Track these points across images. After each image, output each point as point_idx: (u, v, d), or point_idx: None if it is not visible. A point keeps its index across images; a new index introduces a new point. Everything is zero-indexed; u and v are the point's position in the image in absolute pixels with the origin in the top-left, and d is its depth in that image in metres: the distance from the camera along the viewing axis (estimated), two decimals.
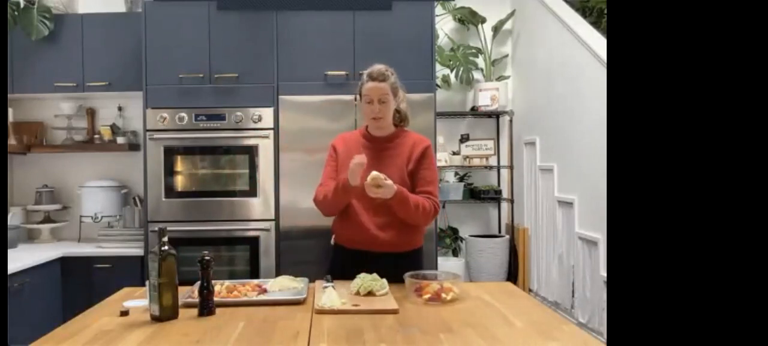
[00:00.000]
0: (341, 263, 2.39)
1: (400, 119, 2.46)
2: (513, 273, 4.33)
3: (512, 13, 4.41)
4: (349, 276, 2.19)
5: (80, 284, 3.34)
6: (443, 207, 4.36)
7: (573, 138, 3.56)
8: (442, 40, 4.40)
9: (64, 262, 3.38)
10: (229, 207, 3.42)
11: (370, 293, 2.07)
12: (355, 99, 2.48)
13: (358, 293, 2.07)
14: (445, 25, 4.43)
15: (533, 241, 4.17)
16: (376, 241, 2.32)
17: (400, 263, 2.26)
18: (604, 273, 3.20)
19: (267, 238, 3.40)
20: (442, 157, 4.14)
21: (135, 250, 3.44)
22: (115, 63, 3.61)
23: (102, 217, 3.70)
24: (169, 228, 1.93)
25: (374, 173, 2.17)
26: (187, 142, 3.40)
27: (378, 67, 2.36)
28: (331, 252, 2.51)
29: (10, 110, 3.73)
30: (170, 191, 3.40)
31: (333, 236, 2.50)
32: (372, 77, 2.34)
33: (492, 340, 1.62)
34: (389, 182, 2.18)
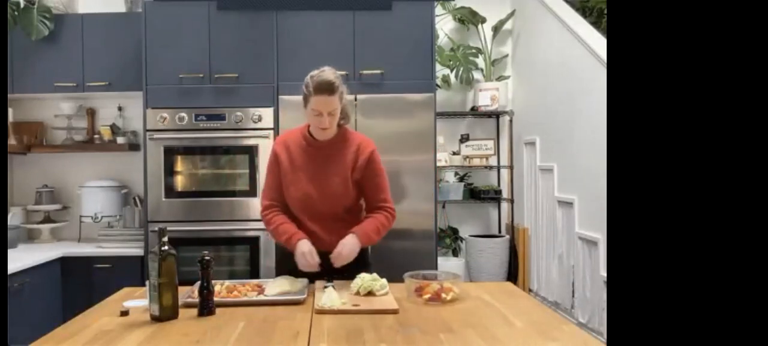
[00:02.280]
0: (288, 262, 2.34)
1: (341, 117, 2.33)
2: (513, 273, 4.33)
3: (512, 13, 4.41)
4: (295, 275, 2.21)
5: (80, 284, 3.34)
6: (443, 207, 4.36)
7: (573, 138, 3.56)
8: (442, 40, 4.40)
9: (64, 262, 3.38)
10: (229, 207, 3.42)
11: (370, 293, 2.07)
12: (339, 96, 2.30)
13: (357, 293, 2.08)
14: (445, 25, 4.43)
15: (533, 241, 4.17)
16: (318, 239, 2.29)
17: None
18: (604, 273, 3.20)
19: (267, 238, 3.40)
20: (442, 158, 4.14)
21: (135, 250, 3.44)
22: (115, 63, 3.61)
23: (102, 217, 3.69)
24: (169, 228, 1.93)
25: (335, 258, 2.18)
26: (187, 142, 3.40)
27: (327, 77, 2.18)
28: (277, 248, 2.51)
29: (10, 110, 3.73)
30: (170, 191, 3.40)
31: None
32: (321, 89, 2.17)
33: (492, 340, 1.62)
34: (351, 251, 2.19)
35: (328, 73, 2.21)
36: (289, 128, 3.36)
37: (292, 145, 2.35)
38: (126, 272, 3.35)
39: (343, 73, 3.40)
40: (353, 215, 2.37)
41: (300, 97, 3.38)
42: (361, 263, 2.29)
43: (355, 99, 3.38)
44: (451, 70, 4.34)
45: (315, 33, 3.42)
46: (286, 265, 2.34)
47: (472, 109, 4.38)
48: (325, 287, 2.12)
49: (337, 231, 2.28)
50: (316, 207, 2.31)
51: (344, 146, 2.33)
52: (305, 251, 2.20)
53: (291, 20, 3.42)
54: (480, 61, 4.40)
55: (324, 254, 2.23)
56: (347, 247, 2.22)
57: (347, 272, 2.21)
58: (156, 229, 2.00)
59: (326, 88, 2.18)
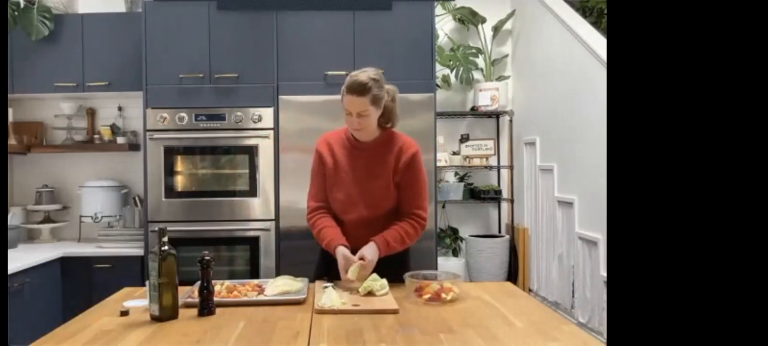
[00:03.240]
0: (329, 262, 2.36)
1: (386, 120, 2.31)
2: (513, 273, 4.33)
3: (512, 13, 4.41)
4: (337, 275, 2.20)
5: (80, 284, 3.34)
6: (443, 207, 4.36)
7: (573, 138, 3.56)
8: (442, 40, 4.40)
9: (64, 262, 3.38)
10: (229, 207, 3.42)
11: (370, 293, 2.07)
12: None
13: (357, 293, 2.08)
14: (445, 25, 4.43)
15: (533, 241, 4.17)
16: (357, 244, 2.26)
17: (389, 261, 2.25)
18: (604, 273, 3.20)
19: (267, 238, 3.40)
20: (442, 158, 4.14)
21: (135, 250, 3.44)
22: (115, 63, 3.61)
23: (102, 217, 3.69)
24: (169, 228, 1.93)
25: (353, 270, 2.13)
26: (187, 142, 3.40)
27: (359, 78, 2.17)
28: (320, 251, 2.48)
29: (10, 110, 3.73)
30: (170, 191, 3.40)
31: None
32: (351, 90, 2.17)
33: (492, 340, 1.62)
34: (368, 258, 2.16)
35: (364, 74, 2.19)
36: (289, 128, 3.39)
37: (335, 146, 2.33)
38: (126, 272, 3.35)
39: (343, 73, 3.41)
40: (392, 221, 2.31)
41: (300, 97, 3.42)
42: (399, 267, 2.26)
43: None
44: (451, 70, 4.34)
45: (315, 33, 3.42)
46: (327, 270, 2.32)
47: (472, 109, 4.38)
48: (325, 287, 2.12)
49: (378, 234, 2.25)
50: (358, 209, 2.28)
51: (388, 148, 2.29)
52: (345, 255, 2.17)
53: (291, 20, 3.42)
54: (480, 61, 4.40)
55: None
56: (368, 260, 2.17)
57: (387, 276, 2.18)
58: (156, 229, 2.01)
59: (356, 89, 2.16)
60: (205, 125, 3.40)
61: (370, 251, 2.19)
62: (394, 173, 2.27)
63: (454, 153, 4.35)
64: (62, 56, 3.62)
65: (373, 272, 2.17)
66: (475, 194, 4.34)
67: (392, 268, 2.21)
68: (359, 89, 2.16)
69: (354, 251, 2.21)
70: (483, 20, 4.35)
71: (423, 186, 2.32)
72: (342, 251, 2.20)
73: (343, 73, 3.41)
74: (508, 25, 4.45)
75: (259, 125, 3.40)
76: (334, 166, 2.31)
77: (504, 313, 1.90)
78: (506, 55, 4.51)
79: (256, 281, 2.21)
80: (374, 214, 2.29)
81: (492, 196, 4.35)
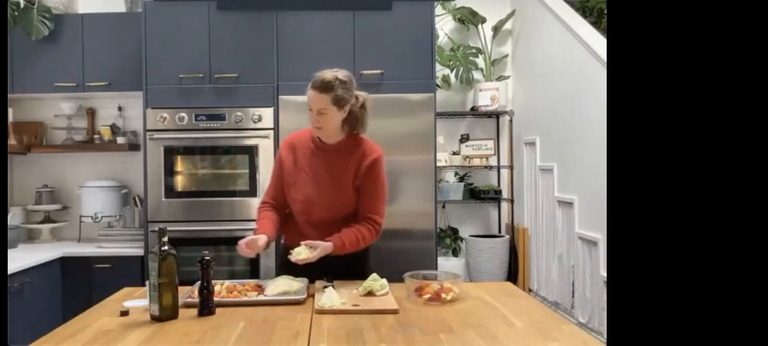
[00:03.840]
0: (288, 262, 2.35)
1: (353, 126, 2.28)
2: (513, 273, 4.33)
3: (512, 13, 4.41)
4: (297, 273, 2.19)
5: (80, 284, 3.34)
6: (443, 207, 4.36)
7: (573, 138, 3.56)
8: (442, 40, 4.40)
9: (64, 262, 3.38)
10: (229, 207, 3.42)
11: (370, 293, 2.07)
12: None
13: (357, 293, 2.08)
14: (445, 25, 4.43)
15: (533, 241, 4.17)
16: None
17: (349, 261, 2.25)
18: (604, 273, 3.20)
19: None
20: (442, 158, 4.14)
21: (135, 250, 3.44)
22: (115, 63, 3.61)
23: (102, 217, 3.69)
24: (169, 228, 1.93)
25: (299, 252, 2.12)
26: (187, 142, 3.40)
27: (324, 76, 2.17)
28: (281, 250, 2.50)
29: (10, 110, 3.73)
30: (170, 191, 3.40)
31: (284, 236, 2.47)
32: (314, 85, 2.18)
33: (492, 340, 1.62)
34: (317, 250, 2.13)
35: (331, 73, 2.19)
36: (289, 128, 3.38)
37: (298, 147, 2.34)
38: (126, 272, 3.35)
39: None
40: (353, 221, 2.31)
41: (300, 97, 3.39)
42: (358, 268, 2.28)
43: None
44: (451, 70, 4.34)
45: (315, 33, 3.42)
46: (287, 265, 2.33)
47: (472, 109, 4.38)
48: (325, 287, 2.12)
49: (327, 236, 2.25)
50: (318, 211, 2.29)
51: (350, 152, 2.28)
52: (245, 241, 2.16)
53: (291, 20, 3.42)
54: (480, 61, 4.40)
55: (322, 259, 2.19)
56: (317, 251, 2.15)
57: (344, 275, 2.21)
58: (156, 229, 2.00)
59: (318, 85, 2.17)
60: (205, 125, 3.39)
61: (323, 245, 2.16)
62: (355, 177, 2.26)
63: (454, 153, 4.35)
64: (62, 56, 3.62)
65: (333, 273, 2.19)
66: (475, 194, 4.34)
67: (353, 267, 2.25)
68: (322, 86, 2.16)
69: (325, 262, 2.18)
70: (483, 20, 4.35)
71: (381, 191, 2.30)
72: (251, 237, 2.17)
73: None
74: (508, 25, 4.45)
75: (259, 125, 3.40)
76: (293, 166, 2.30)
77: (504, 313, 1.90)
78: (506, 55, 4.51)
79: (256, 281, 2.21)
80: (334, 216, 2.28)
81: (492, 196, 4.34)
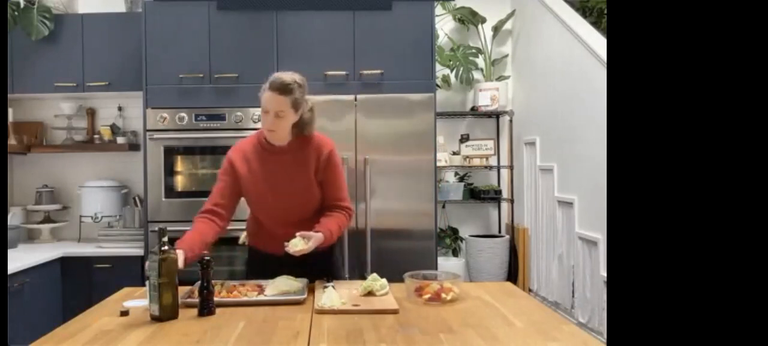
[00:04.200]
0: (257, 263, 2.38)
1: (300, 130, 2.27)
2: (513, 273, 4.33)
3: (512, 13, 4.41)
4: (265, 275, 2.20)
5: (80, 284, 3.34)
6: (443, 207, 4.36)
7: (573, 138, 3.56)
8: (442, 40, 4.40)
9: (64, 262, 3.38)
10: None
11: (370, 293, 2.07)
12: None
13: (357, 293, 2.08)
14: (445, 25, 4.43)
15: (533, 241, 4.17)
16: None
17: (316, 262, 2.26)
18: (604, 273, 3.20)
19: None
20: (442, 158, 4.14)
21: (135, 250, 3.44)
22: (115, 63, 3.61)
23: (102, 217, 3.69)
24: (169, 228, 1.93)
25: (295, 243, 2.11)
26: (187, 142, 3.40)
27: (284, 78, 2.14)
28: (246, 252, 2.50)
29: (10, 110, 3.73)
30: (170, 191, 3.40)
31: (244, 235, 2.47)
32: (273, 87, 2.13)
33: (492, 340, 1.62)
34: (312, 240, 2.13)
35: (289, 75, 2.17)
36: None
37: (249, 154, 2.28)
38: (126, 272, 3.35)
39: (343, 73, 3.42)
40: (321, 215, 2.33)
41: None
42: (328, 268, 2.31)
43: (355, 99, 3.38)
44: (451, 70, 4.34)
45: (315, 33, 3.42)
46: (254, 268, 2.38)
47: (472, 109, 4.38)
48: (325, 287, 2.12)
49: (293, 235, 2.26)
50: (285, 213, 2.28)
51: (303, 149, 2.27)
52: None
53: (291, 20, 3.42)
54: (480, 61, 4.40)
55: (267, 256, 2.20)
56: (311, 242, 2.15)
57: (314, 275, 2.24)
58: (156, 229, 2.00)
59: (278, 87, 2.13)
60: (205, 125, 3.40)
61: (316, 236, 2.16)
62: (316, 172, 2.27)
63: (454, 153, 4.35)
64: (62, 56, 3.62)
65: (305, 272, 2.20)
66: (475, 194, 4.34)
67: (323, 267, 2.28)
68: (281, 88, 2.13)
69: (277, 248, 2.17)
70: (483, 20, 4.35)
71: (343, 179, 2.35)
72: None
73: (344, 73, 3.42)
74: (508, 25, 4.45)
75: (259, 125, 3.39)
76: (249, 175, 2.26)
77: (504, 313, 1.90)
78: (506, 55, 4.51)
79: (256, 281, 2.20)
80: (303, 213, 2.28)
81: (492, 196, 4.35)
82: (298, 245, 2.12)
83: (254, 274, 2.34)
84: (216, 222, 2.25)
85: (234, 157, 2.29)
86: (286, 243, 2.13)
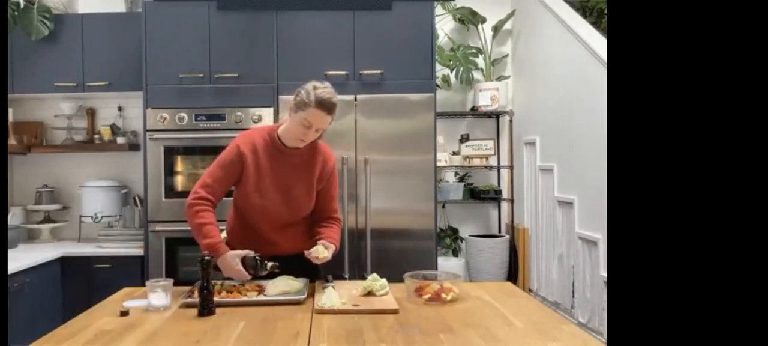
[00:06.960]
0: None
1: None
2: (513, 273, 4.33)
3: (512, 13, 4.41)
4: (220, 278, 2.17)
5: (80, 284, 3.34)
6: (443, 207, 4.36)
7: (573, 138, 3.56)
8: (442, 40, 4.40)
9: (64, 262, 3.38)
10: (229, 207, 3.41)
11: (370, 293, 2.07)
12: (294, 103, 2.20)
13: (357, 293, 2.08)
14: (445, 25, 4.43)
15: (533, 241, 4.17)
16: (274, 246, 2.26)
17: (296, 262, 2.25)
18: (604, 273, 3.20)
19: None
20: (442, 158, 4.14)
21: (135, 250, 3.44)
22: (115, 63, 3.61)
23: (102, 217, 3.69)
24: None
25: (320, 251, 2.16)
26: (187, 142, 3.40)
27: (332, 99, 2.14)
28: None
29: (10, 110, 3.73)
30: (170, 191, 3.40)
31: (224, 233, 2.37)
32: (323, 106, 2.11)
33: (492, 340, 1.62)
34: (330, 249, 2.20)
35: (332, 91, 2.17)
36: None
37: (260, 149, 2.25)
38: (126, 272, 3.35)
39: (343, 73, 3.42)
40: (307, 221, 2.37)
41: None
42: (314, 271, 2.31)
43: (355, 99, 3.38)
44: (451, 70, 4.34)
45: (315, 33, 3.42)
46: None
47: (472, 109, 4.38)
48: (325, 287, 2.12)
49: (293, 237, 2.30)
50: (280, 215, 2.27)
51: (312, 156, 2.29)
52: (237, 263, 2.13)
53: (291, 20, 3.42)
54: (480, 61, 4.40)
55: (280, 258, 2.17)
56: (331, 249, 2.23)
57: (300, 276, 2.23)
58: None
59: (328, 107, 2.13)
60: (205, 125, 3.39)
61: (333, 246, 2.25)
62: (318, 181, 2.31)
63: (454, 153, 4.35)
64: (62, 56, 3.62)
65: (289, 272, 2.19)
66: (475, 194, 4.34)
67: (305, 270, 2.26)
68: (332, 108, 2.15)
69: (274, 258, 2.16)
70: (483, 20, 4.35)
71: (337, 189, 2.42)
72: (233, 255, 2.13)
73: (344, 73, 3.42)
74: (508, 25, 4.45)
75: (259, 125, 3.39)
76: (255, 169, 2.24)
77: (504, 313, 1.90)
78: (506, 55, 4.51)
79: (256, 281, 2.20)
80: (294, 219, 2.31)
81: (492, 196, 4.34)
82: (322, 253, 2.17)
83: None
84: (213, 211, 2.25)
85: (244, 149, 2.24)
86: (307, 251, 2.18)
